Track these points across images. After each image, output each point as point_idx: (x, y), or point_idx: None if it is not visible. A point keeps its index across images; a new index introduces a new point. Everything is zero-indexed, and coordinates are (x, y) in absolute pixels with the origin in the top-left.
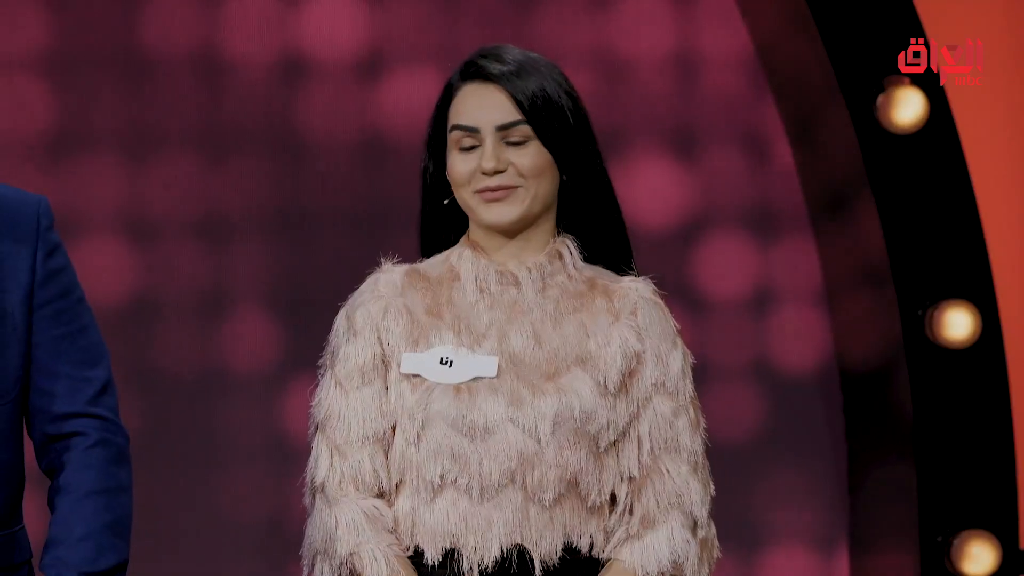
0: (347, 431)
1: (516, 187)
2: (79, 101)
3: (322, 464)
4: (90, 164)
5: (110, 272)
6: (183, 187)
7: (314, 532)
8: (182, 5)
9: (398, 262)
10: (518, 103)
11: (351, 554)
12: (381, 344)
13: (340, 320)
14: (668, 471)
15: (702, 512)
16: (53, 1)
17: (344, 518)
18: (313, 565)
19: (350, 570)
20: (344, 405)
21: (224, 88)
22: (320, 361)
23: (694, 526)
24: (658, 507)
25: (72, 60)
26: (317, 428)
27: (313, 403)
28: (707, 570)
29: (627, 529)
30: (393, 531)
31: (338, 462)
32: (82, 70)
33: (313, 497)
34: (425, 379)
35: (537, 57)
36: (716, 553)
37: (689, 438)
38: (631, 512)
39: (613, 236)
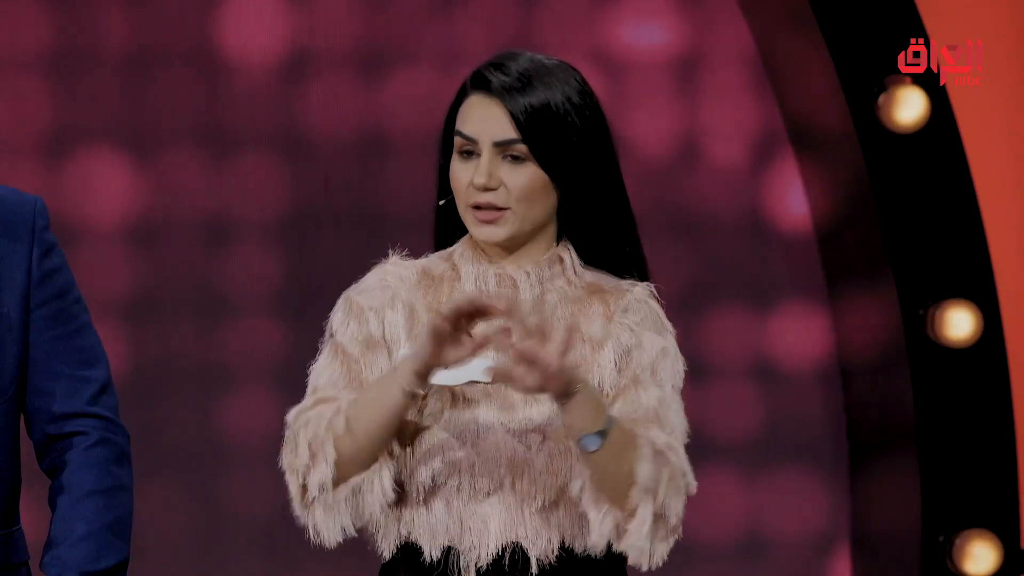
0: (344, 383)
1: (504, 210)
2: (79, 101)
3: (298, 408)
4: (90, 164)
5: (111, 272)
6: (185, 187)
7: (285, 455)
8: (183, 3)
9: (406, 255)
10: (516, 121)
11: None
12: (384, 327)
13: (341, 303)
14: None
15: (691, 478)
16: (53, 1)
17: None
18: (291, 482)
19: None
20: (343, 364)
21: (225, 87)
22: (320, 342)
23: (683, 475)
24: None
25: (72, 60)
26: (310, 389)
27: (309, 371)
28: (676, 501)
29: None
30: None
31: (312, 399)
32: (82, 70)
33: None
34: None
35: (553, 65)
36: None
37: (672, 415)
38: None
39: (621, 246)
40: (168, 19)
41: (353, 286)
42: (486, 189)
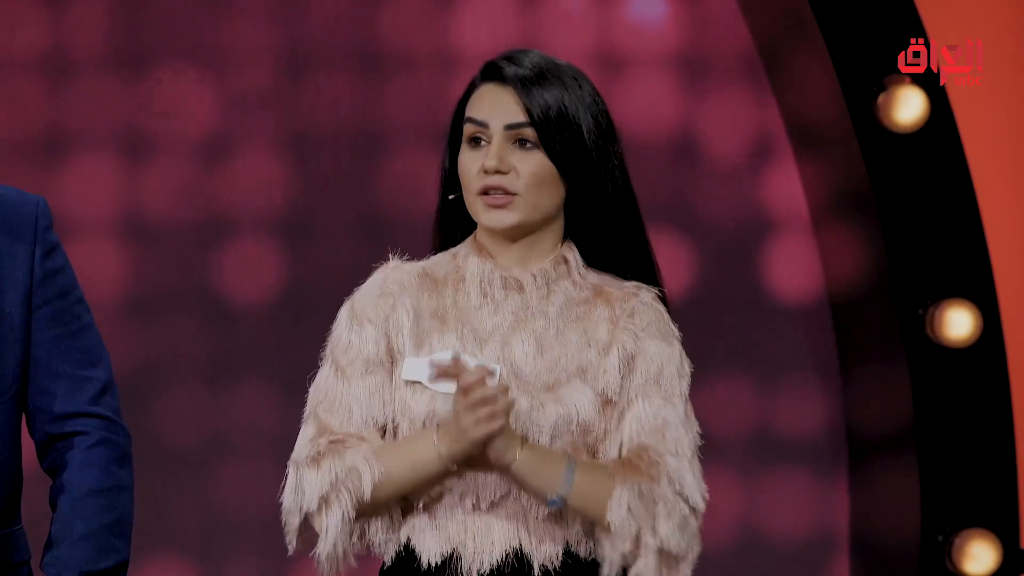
0: (347, 415)
1: (513, 195)
2: (77, 101)
3: (307, 443)
4: (88, 164)
5: (108, 273)
6: (181, 188)
7: (287, 496)
8: (181, 3)
9: (407, 259)
10: (527, 107)
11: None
12: (388, 339)
13: (344, 311)
14: (655, 454)
15: (695, 495)
16: (53, 1)
17: (318, 477)
18: (294, 529)
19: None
20: (345, 391)
21: (225, 87)
22: (321, 352)
23: (683, 499)
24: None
25: (69, 60)
26: (311, 414)
27: (310, 389)
28: (686, 547)
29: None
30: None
31: (325, 440)
32: (79, 70)
33: (295, 470)
34: (427, 387)
35: (565, 67)
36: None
37: (676, 430)
38: None
39: (626, 245)
40: (166, 19)
41: (355, 293)
42: (497, 172)
